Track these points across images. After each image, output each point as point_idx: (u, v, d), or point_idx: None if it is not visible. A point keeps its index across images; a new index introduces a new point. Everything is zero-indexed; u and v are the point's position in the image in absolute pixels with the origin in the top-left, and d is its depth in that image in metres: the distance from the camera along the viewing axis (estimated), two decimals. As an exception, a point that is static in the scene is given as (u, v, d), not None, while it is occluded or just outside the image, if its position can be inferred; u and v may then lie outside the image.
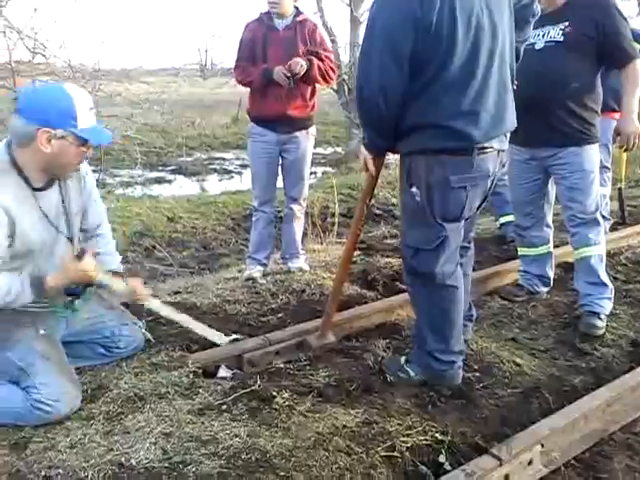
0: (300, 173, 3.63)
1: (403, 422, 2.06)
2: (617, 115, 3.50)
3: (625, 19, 2.88)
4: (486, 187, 2.25)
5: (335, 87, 11.28)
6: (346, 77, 11.02)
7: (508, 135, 2.28)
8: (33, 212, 2.11)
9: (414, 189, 2.21)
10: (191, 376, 2.31)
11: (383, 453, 1.90)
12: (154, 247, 5.86)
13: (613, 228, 4.61)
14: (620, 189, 4.99)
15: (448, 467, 1.89)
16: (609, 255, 3.50)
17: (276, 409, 2.09)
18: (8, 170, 2.07)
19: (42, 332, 2.17)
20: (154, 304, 2.55)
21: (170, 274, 5.14)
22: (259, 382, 2.27)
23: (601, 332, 2.88)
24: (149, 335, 2.57)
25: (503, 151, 2.26)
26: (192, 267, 5.44)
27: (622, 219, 4.95)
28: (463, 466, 1.83)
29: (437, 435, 2.01)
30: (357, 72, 2.19)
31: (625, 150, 3.10)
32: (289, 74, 3.33)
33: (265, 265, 3.74)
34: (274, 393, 2.17)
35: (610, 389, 2.25)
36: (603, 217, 3.39)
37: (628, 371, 2.47)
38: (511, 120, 2.24)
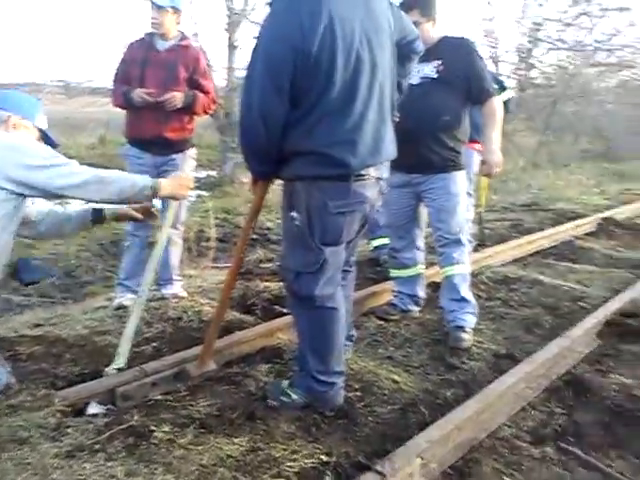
0: (176, 196, 3.52)
1: (288, 447, 2.04)
2: (477, 146, 3.85)
3: (484, 62, 3.20)
4: (365, 212, 2.32)
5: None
6: (222, 101, 10.96)
7: (388, 165, 2.38)
8: None
9: (294, 213, 2.23)
10: (58, 415, 2.11)
11: (270, 480, 1.86)
12: (10, 275, 5.34)
13: (475, 249, 4.99)
14: (480, 213, 5.45)
15: (334, 488, 1.89)
16: (472, 274, 3.75)
17: (155, 444, 1.97)
18: None
19: None
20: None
21: (28, 305, 4.70)
22: (135, 417, 2.13)
23: (468, 344, 3.08)
24: (13, 380, 2.31)
25: (382, 179, 2.35)
26: (54, 297, 5.03)
27: (482, 241, 5.40)
28: (348, 486, 1.85)
29: (322, 457, 2.01)
30: (241, 100, 2.19)
31: (488, 177, 3.40)
32: (151, 100, 3.25)
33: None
34: (152, 427, 2.05)
35: (478, 400, 2.40)
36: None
37: (492, 381, 2.65)
38: (389, 150, 2.33)
